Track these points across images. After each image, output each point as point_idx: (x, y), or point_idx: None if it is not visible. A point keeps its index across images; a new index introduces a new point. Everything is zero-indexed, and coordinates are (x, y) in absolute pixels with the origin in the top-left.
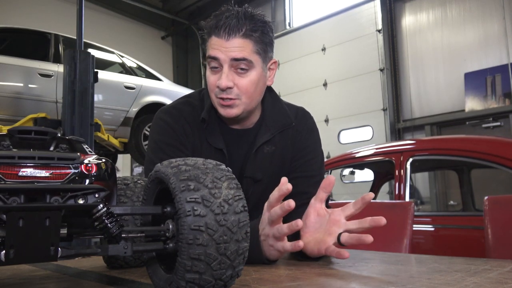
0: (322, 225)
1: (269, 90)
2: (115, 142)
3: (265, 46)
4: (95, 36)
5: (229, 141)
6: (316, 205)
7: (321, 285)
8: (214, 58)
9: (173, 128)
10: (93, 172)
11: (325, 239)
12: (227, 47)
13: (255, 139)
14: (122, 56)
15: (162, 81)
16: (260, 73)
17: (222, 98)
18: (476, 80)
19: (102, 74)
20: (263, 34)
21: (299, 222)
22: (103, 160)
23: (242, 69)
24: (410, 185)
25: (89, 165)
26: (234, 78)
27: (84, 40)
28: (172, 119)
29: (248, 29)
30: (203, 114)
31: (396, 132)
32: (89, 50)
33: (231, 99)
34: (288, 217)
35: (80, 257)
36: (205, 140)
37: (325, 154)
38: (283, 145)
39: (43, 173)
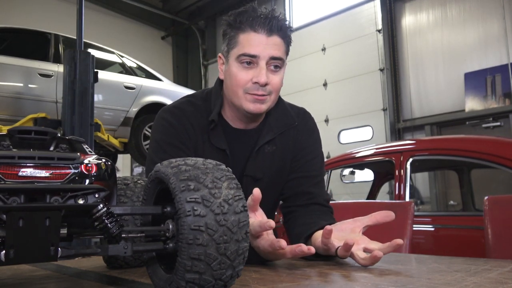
0: (344, 236)
1: None
2: (115, 142)
3: (288, 49)
4: (95, 36)
5: (232, 141)
6: (357, 222)
7: (321, 285)
8: (253, 56)
9: (175, 127)
10: (93, 172)
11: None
12: (268, 44)
13: (258, 139)
14: (122, 56)
15: (162, 81)
16: (283, 73)
17: (257, 95)
18: (476, 80)
19: (102, 74)
20: (289, 38)
21: (271, 223)
22: (103, 160)
23: (275, 66)
24: (410, 185)
25: (89, 165)
26: (268, 75)
27: (84, 40)
28: (174, 118)
29: (283, 30)
30: (213, 116)
31: (396, 132)
32: (89, 50)
33: (264, 95)
34: (298, 216)
35: (80, 257)
36: (208, 140)
37: (325, 154)
38: (283, 145)
39: (43, 173)
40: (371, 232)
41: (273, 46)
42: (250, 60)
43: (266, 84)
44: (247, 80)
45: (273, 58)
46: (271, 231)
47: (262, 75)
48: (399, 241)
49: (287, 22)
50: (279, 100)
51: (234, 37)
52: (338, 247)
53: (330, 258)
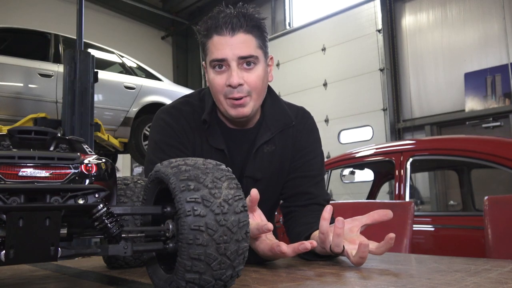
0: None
1: (269, 90)
2: (115, 142)
3: (264, 41)
4: (95, 36)
5: (230, 141)
6: (355, 222)
7: (321, 285)
8: (221, 60)
9: (173, 128)
10: (93, 172)
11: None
12: (233, 44)
13: (255, 138)
14: (122, 56)
15: (162, 81)
16: (264, 68)
17: (234, 98)
18: (476, 80)
19: (102, 74)
20: (262, 30)
21: (269, 226)
22: (103, 160)
23: (248, 64)
24: (410, 185)
25: (89, 165)
26: (243, 75)
27: (84, 40)
28: (172, 119)
29: (249, 24)
30: (205, 116)
31: (396, 132)
32: (89, 50)
33: (242, 97)
34: (298, 216)
35: (80, 257)
36: (206, 140)
37: (325, 154)
38: (283, 145)
39: (43, 173)
40: (371, 231)
41: (239, 45)
42: (220, 64)
43: (239, 85)
44: (223, 85)
45: (242, 58)
46: (270, 232)
47: (233, 77)
48: (391, 235)
49: (255, 15)
50: (276, 99)
51: (205, 45)
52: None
53: (329, 258)
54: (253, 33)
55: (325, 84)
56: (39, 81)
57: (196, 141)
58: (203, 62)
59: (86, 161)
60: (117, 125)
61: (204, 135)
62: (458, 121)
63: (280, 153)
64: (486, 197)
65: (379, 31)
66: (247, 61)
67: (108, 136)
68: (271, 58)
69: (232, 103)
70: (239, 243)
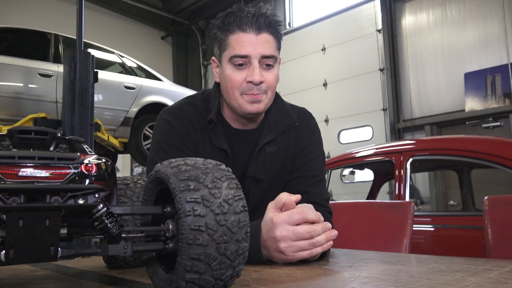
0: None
1: None
2: (115, 142)
3: (280, 44)
4: (95, 36)
5: (233, 141)
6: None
7: (321, 285)
8: (244, 56)
9: (175, 128)
10: (93, 172)
11: None
12: (257, 42)
13: (258, 139)
14: (122, 56)
15: (162, 81)
16: (278, 70)
17: (252, 94)
18: (476, 80)
19: (102, 74)
20: (280, 33)
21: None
22: (103, 160)
23: (268, 65)
24: (410, 185)
25: (89, 165)
26: (262, 73)
27: (84, 40)
28: (175, 119)
29: (272, 26)
30: (211, 115)
31: (396, 132)
32: (89, 50)
33: (259, 94)
34: None
35: (80, 257)
36: (209, 140)
37: (325, 154)
38: (285, 145)
39: (43, 173)
40: (371, 231)
41: (263, 44)
42: (242, 61)
43: (260, 83)
44: (242, 81)
45: (265, 57)
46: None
47: (255, 74)
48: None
49: (276, 18)
50: (280, 100)
51: (224, 40)
52: None
53: (321, 258)
54: (274, 35)
55: (325, 84)
56: (39, 81)
57: (199, 142)
58: (214, 57)
59: (86, 161)
60: (117, 125)
61: (207, 136)
62: (458, 121)
63: (282, 153)
64: (486, 197)
65: (379, 31)
66: (267, 61)
67: (108, 136)
68: (280, 61)
69: (251, 97)
70: (239, 243)
